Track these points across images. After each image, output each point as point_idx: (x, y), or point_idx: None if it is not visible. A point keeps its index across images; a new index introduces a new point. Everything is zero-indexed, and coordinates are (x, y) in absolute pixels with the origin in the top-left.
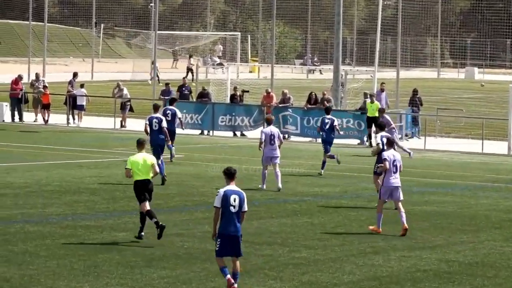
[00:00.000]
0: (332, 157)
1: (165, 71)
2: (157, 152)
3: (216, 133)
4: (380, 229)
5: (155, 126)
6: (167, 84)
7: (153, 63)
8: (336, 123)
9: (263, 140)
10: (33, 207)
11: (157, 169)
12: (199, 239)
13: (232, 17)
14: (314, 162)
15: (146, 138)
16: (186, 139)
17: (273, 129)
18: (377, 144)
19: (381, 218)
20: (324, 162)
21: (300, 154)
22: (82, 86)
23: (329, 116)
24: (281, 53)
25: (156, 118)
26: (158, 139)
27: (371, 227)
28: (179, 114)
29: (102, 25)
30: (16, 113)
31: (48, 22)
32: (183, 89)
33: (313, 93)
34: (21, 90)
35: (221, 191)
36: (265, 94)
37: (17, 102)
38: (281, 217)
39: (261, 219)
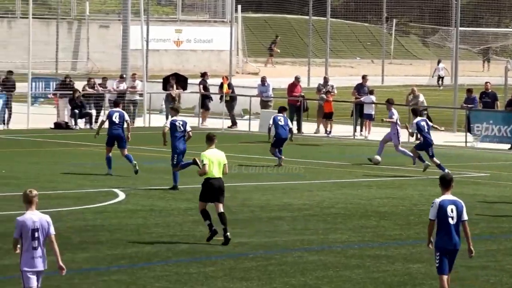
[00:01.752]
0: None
1: (471, 74)
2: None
3: None
4: None
5: (179, 128)
6: (469, 91)
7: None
8: (430, 122)
9: None
10: (314, 233)
11: (227, 169)
12: (508, 273)
13: None
14: None
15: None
16: (491, 155)
17: None
18: None
19: None
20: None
21: None
22: (371, 92)
23: (421, 118)
24: None
25: (182, 121)
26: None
27: None
28: (290, 124)
29: (395, 21)
30: (294, 123)
31: (331, 17)
32: (484, 95)
33: None
34: (301, 96)
35: (437, 201)
36: None
37: (296, 110)
38: None
39: None
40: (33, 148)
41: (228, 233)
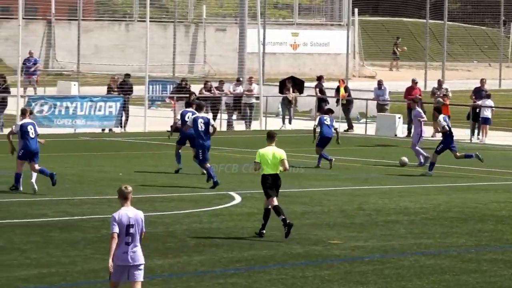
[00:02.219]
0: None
1: None
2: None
3: None
4: None
5: (201, 127)
6: None
7: None
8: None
9: None
10: (431, 237)
11: (287, 165)
12: None
13: None
14: None
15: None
16: None
17: None
18: None
19: None
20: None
21: None
22: (488, 96)
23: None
24: None
25: (202, 117)
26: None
27: None
28: (335, 125)
29: None
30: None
31: (448, 20)
32: None
33: None
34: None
35: None
36: None
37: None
38: None
39: None
40: (150, 151)
41: (288, 220)
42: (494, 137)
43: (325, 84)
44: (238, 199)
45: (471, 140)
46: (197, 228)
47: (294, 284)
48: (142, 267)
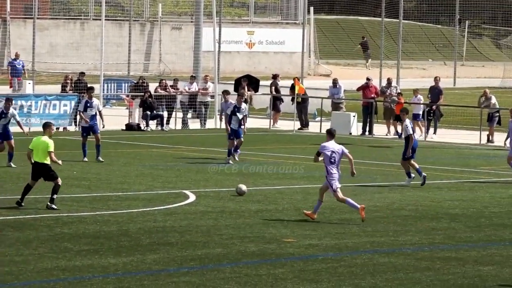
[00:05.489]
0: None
1: None
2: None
3: None
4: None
5: None
6: None
7: None
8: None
9: None
10: (384, 235)
11: (53, 157)
12: None
13: None
14: None
15: None
16: None
17: None
18: None
19: None
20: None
21: None
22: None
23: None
24: None
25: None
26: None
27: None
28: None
29: (467, 22)
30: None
31: (403, 19)
32: None
33: None
34: (372, 98)
35: None
36: None
37: (366, 112)
38: None
39: None
40: (104, 150)
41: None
42: (448, 135)
43: (280, 83)
44: (192, 197)
45: (425, 138)
46: (151, 227)
47: (247, 282)
48: None
